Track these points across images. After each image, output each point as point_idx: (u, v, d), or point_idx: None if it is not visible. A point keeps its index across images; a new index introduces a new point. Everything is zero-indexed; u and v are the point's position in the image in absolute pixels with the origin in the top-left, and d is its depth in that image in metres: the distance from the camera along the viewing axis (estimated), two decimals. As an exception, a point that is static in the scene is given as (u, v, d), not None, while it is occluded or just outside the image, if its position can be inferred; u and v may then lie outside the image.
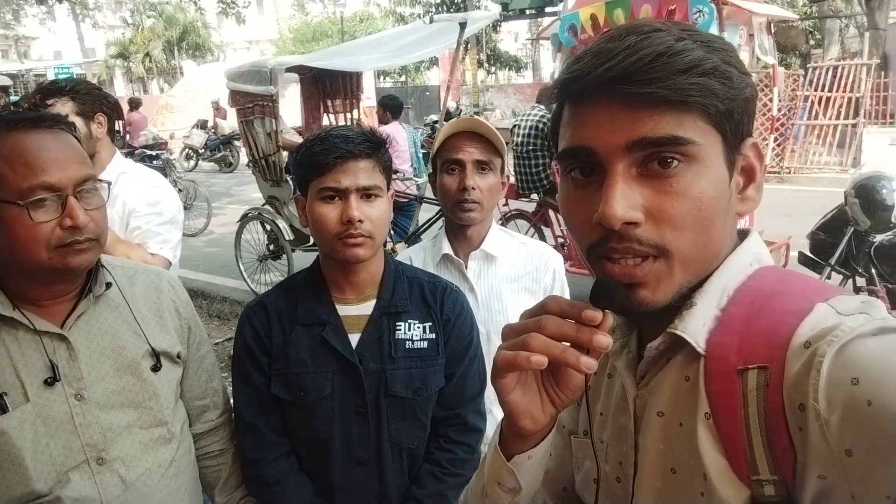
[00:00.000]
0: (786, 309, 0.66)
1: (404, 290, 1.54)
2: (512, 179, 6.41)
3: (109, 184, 1.34)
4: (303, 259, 6.29)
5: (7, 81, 12.09)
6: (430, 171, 1.87)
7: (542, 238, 6.13)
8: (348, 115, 7.65)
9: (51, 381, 1.22)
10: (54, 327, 1.25)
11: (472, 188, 1.71)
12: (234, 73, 6.61)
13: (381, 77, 26.24)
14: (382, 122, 7.11)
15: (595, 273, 0.72)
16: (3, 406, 1.18)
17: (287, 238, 6.29)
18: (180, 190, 9.72)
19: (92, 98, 2.15)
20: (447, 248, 1.83)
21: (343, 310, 1.50)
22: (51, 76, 22.64)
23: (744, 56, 4.44)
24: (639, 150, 0.66)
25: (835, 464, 0.57)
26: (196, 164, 17.02)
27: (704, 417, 0.68)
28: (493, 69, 24.56)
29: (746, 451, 0.64)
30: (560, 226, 6.24)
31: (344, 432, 1.47)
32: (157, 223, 2.24)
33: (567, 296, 1.90)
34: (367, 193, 1.42)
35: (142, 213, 2.22)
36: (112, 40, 37.68)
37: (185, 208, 9.73)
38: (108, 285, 1.33)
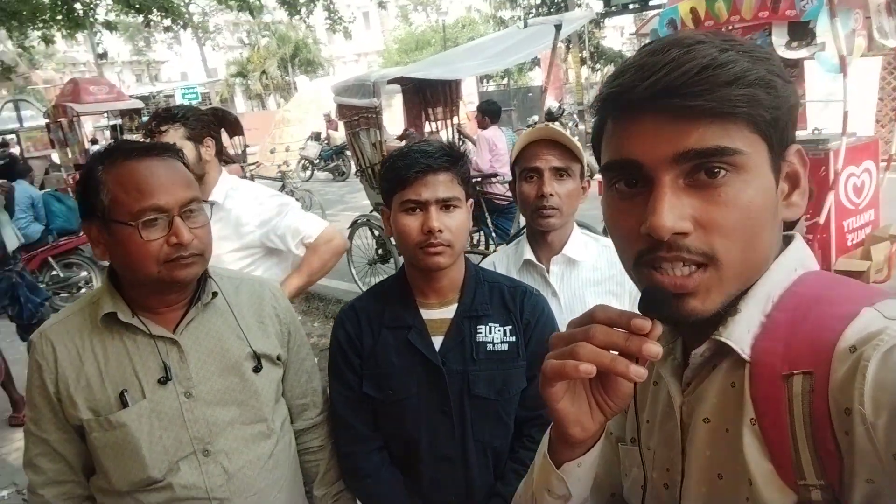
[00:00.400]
0: (832, 314, 0.66)
1: (485, 294, 1.61)
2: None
3: (213, 204, 1.48)
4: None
5: (139, 104, 13.20)
6: (511, 179, 1.92)
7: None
8: (449, 121, 7.82)
9: (164, 381, 1.38)
10: (167, 332, 1.40)
11: (550, 195, 1.75)
12: (340, 88, 6.93)
13: (484, 81, 26.40)
14: (482, 126, 7.21)
15: (640, 283, 0.73)
16: (124, 401, 1.35)
17: (394, 243, 6.52)
18: (297, 199, 10.23)
19: (201, 124, 2.34)
20: (529, 254, 1.87)
21: (427, 314, 1.59)
22: (178, 96, 24.46)
23: (859, 42, 4.16)
24: (686, 162, 0.67)
25: (882, 467, 0.57)
26: (312, 174, 17.85)
27: (750, 423, 0.68)
28: (597, 66, 24.09)
29: (792, 456, 0.64)
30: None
31: (430, 430, 1.56)
32: (288, 222, 2.38)
33: None
34: (445, 204, 1.49)
35: (272, 224, 2.37)
36: (231, 60, 40.22)
37: (302, 217, 10.30)
38: (215, 294, 1.48)
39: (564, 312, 1.80)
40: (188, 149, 2.28)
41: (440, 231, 1.47)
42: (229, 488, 1.42)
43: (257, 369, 1.49)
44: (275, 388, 1.55)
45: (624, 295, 1.86)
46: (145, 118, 12.04)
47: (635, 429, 0.85)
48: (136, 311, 1.39)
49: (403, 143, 7.26)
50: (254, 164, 12.16)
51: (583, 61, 19.58)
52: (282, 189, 10.17)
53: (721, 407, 0.73)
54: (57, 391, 1.36)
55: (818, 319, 0.67)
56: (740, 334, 0.71)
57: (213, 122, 2.41)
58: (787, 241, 0.77)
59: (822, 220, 3.98)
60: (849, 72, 3.84)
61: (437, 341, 1.56)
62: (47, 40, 10.91)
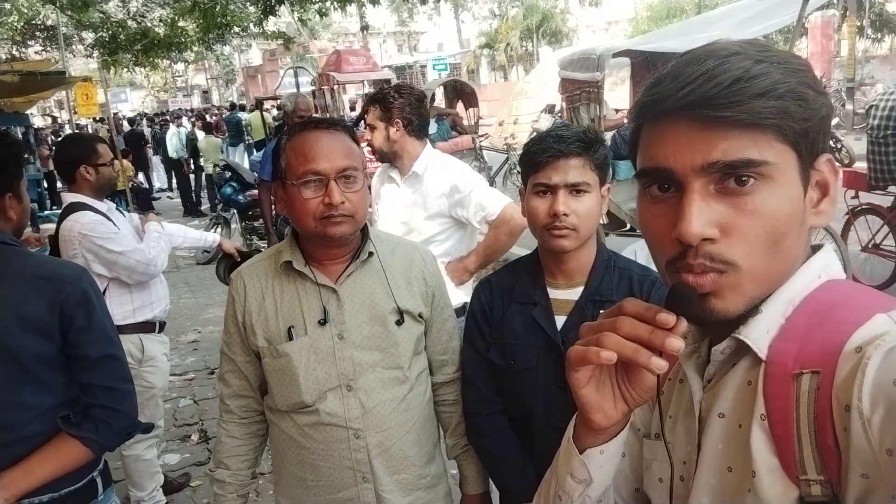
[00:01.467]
0: (845, 319, 0.68)
1: (613, 280, 1.63)
2: (864, 168, 5.57)
3: (364, 171, 1.66)
4: (616, 243, 6.37)
5: (390, 75, 14.29)
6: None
7: (896, 238, 5.22)
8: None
9: (322, 322, 1.62)
10: (330, 282, 1.64)
11: (564, 214, 1.54)
12: (566, 62, 6.95)
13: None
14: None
15: (671, 284, 0.75)
16: (290, 335, 1.63)
17: (602, 223, 6.43)
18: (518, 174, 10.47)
19: (395, 107, 2.62)
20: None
21: (553, 293, 1.66)
22: (429, 67, 26.04)
23: None
24: (715, 171, 0.69)
25: (876, 463, 0.59)
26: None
27: (760, 419, 0.71)
28: (879, 36, 20.77)
29: (796, 451, 0.67)
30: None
31: (546, 402, 1.64)
32: (474, 197, 2.57)
33: None
34: (575, 189, 1.54)
35: (457, 198, 2.60)
36: (482, 31, 41.47)
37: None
38: (371, 254, 1.69)
39: None
40: (380, 129, 2.60)
41: (566, 215, 1.52)
42: (364, 421, 1.63)
43: (399, 322, 1.68)
44: (414, 342, 1.73)
45: None
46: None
47: (659, 424, 0.87)
48: (309, 262, 1.64)
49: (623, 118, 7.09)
50: (483, 135, 12.60)
51: (860, 31, 17.07)
52: (505, 161, 10.44)
53: (736, 403, 0.76)
54: (244, 320, 1.68)
55: (832, 324, 0.69)
56: (759, 334, 0.73)
57: (407, 104, 2.64)
58: (815, 249, 0.78)
59: None
60: None
61: (560, 320, 1.63)
62: (322, 13, 11.90)
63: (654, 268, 0.83)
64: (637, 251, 1.89)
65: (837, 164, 0.75)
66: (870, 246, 5.77)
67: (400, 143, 2.66)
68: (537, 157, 1.56)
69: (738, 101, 0.66)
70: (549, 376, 1.63)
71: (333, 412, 1.62)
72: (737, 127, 0.67)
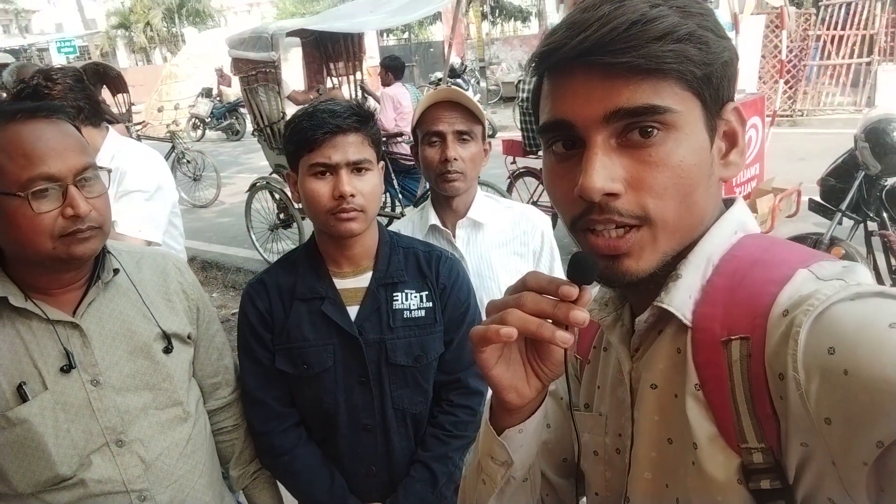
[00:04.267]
0: (767, 278, 0.67)
1: (400, 260, 1.56)
2: (519, 136, 6.36)
3: (110, 171, 1.34)
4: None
5: (8, 59, 11.99)
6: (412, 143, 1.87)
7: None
8: (351, 77, 7.59)
9: (67, 369, 1.26)
10: (66, 316, 1.28)
11: (455, 159, 1.71)
12: (236, 41, 6.56)
13: (385, 35, 25.82)
14: (385, 83, 7.04)
15: (580, 245, 0.72)
16: (23, 395, 1.22)
17: (296, 207, 6.31)
18: (188, 161, 9.70)
19: (55, 98, 2.07)
20: (434, 219, 1.84)
21: (340, 283, 1.53)
22: (53, 50, 22.52)
23: (750, 0, 4.33)
24: (617, 121, 0.66)
25: (815, 432, 0.58)
26: (203, 134, 16.96)
27: (694, 388, 0.69)
28: (497, 21, 24.04)
29: (734, 420, 0.65)
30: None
31: (349, 401, 1.52)
32: (125, 202, 2.13)
33: (557, 257, 1.91)
34: (357, 167, 1.43)
35: (118, 194, 2.12)
36: (112, 10, 37.28)
37: (195, 179, 9.73)
38: (116, 271, 1.36)
39: (472, 276, 1.78)
40: None
41: (352, 196, 1.40)
42: (148, 478, 1.33)
43: (168, 350, 1.40)
44: (187, 369, 1.46)
45: (528, 254, 1.88)
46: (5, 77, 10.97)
47: (589, 394, 0.84)
48: (29, 295, 1.25)
49: (313, 96, 7.00)
50: (140, 123, 11.35)
51: (483, 16, 19.50)
52: (171, 150, 9.59)
53: (668, 373, 0.74)
54: None
55: (754, 284, 0.67)
56: (682, 300, 0.71)
57: (68, 90, 2.10)
58: (728, 203, 0.77)
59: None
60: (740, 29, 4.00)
61: (353, 311, 1.52)
62: None
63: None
64: (401, 229, 1.83)
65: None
66: (531, 203, 6.65)
67: (86, 129, 2.16)
68: (311, 133, 1.40)
69: (636, 45, 0.63)
70: (348, 373, 1.51)
71: (106, 478, 1.28)
72: (637, 73, 0.64)
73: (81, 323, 1.29)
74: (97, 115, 2.24)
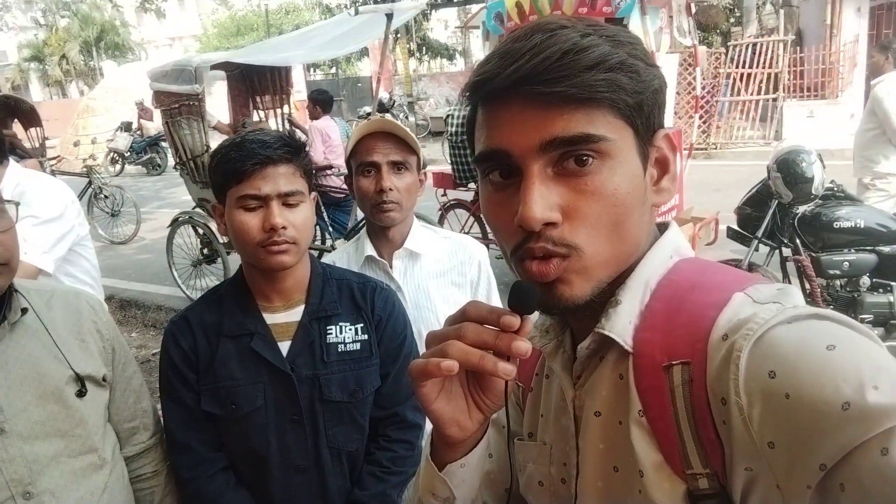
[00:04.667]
0: (705, 301, 0.67)
1: (333, 292, 1.52)
2: (449, 169, 6.43)
3: (18, 204, 1.26)
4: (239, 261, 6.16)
5: None
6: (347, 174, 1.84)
7: (482, 227, 6.16)
8: (278, 110, 7.51)
9: None
10: None
11: (390, 189, 1.69)
12: (158, 73, 6.38)
13: (312, 70, 25.78)
14: (313, 116, 7.00)
15: (518, 274, 0.71)
16: None
17: (221, 241, 6.13)
18: (106, 197, 9.32)
19: None
20: (370, 250, 1.81)
21: (271, 318, 1.47)
22: (-41, 83, 21.37)
23: (665, 39, 4.54)
24: (553, 150, 0.65)
25: (759, 456, 0.58)
26: (122, 169, 16.39)
27: (638, 415, 0.68)
28: (424, 58, 24.43)
29: (679, 446, 0.65)
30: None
31: (280, 442, 1.45)
32: (24, 230, 1.95)
33: (494, 286, 1.91)
34: (288, 199, 1.39)
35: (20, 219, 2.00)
36: (24, 42, 35.80)
37: (113, 215, 9.36)
38: (24, 311, 1.27)
39: (409, 306, 1.76)
40: None
41: (283, 228, 1.36)
42: None
43: (81, 393, 1.30)
44: (103, 413, 1.36)
45: (466, 285, 1.87)
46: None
47: (532, 423, 0.82)
48: None
49: (239, 129, 6.87)
50: (55, 158, 10.84)
51: (411, 53, 19.77)
52: (88, 186, 9.21)
53: (611, 400, 0.73)
54: None
55: (693, 308, 0.67)
56: (622, 326, 0.70)
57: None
58: (663, 228, 0.78)
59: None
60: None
61: (284, 347, 1.46)
62: None
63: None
64: (335, 261, 1.79)
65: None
66: (462, 233, 6.70)
67: None
68: (240, 165, 1.35)
69: (568, 74, 0.63)
70: (280, 412, 1.44)
71: None
72: (570, 102, 0.64)
73: None
74: None
